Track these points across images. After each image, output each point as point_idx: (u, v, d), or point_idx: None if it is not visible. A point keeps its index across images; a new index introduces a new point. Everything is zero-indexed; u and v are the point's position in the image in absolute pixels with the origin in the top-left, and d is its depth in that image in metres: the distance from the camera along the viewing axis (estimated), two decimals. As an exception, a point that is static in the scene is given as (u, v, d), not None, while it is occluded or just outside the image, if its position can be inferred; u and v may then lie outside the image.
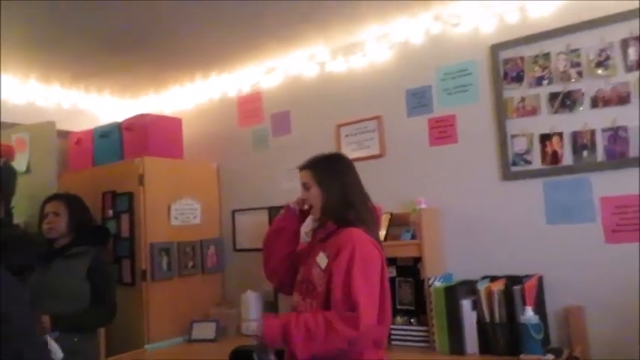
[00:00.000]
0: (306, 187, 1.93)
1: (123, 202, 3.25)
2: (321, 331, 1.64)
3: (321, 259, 1.81)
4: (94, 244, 2.68)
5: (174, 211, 3.36)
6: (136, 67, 3.42)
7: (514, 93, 2.67)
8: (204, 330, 3.14)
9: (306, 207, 1.99)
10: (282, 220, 2.05)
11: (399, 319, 2.66)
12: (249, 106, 3.66)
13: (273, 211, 3.33)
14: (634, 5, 2.36)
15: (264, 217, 3.45)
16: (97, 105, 4.00)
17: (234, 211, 3.64)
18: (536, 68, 2.62)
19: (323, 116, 3.29)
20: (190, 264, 3.41)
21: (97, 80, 3.63)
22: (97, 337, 2.73)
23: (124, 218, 3.23)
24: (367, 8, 2.75)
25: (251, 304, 3.10)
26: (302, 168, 1.96)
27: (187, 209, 3.46)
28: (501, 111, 2.69)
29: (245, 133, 3.66)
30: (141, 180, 3.20)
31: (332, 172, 1.92)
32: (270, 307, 3.10)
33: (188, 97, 3.92)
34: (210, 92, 3.82)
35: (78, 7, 2.50)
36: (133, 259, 3.18)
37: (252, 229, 3.52)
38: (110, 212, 3.30)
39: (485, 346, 2.32)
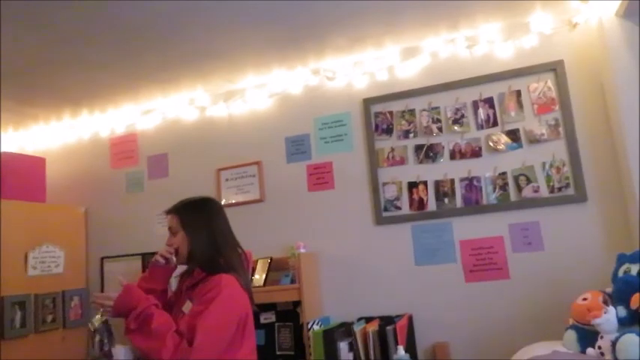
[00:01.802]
0: (172, 231, 1.87)
1: (-30, 250, 2.88)
2: (154, 335, 1.62)
3: (187, 308, 1.74)
4: None
5: (32, 259, 3.05)
6: (-5, 101, 3.12)
7: (385, 144, 2.89)
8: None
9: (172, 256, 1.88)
10: (149, 280, 1.91)
11: (278, 365, 2.64)
12: (124, 147, 3.50)
13: (146, 257, 3.17)
14: (482, 72, 2.72)
15: (137, 263, 3.26)
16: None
17: (102, 258, 3.39)
18: (403, 122, 2.87)
19: (203, 160, 3.26)
20: (50, 318, 3.09)
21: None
22: None
23: (-29, 269, 2.85)
24: (247, 57, 2.84)
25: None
26: (168, 212, 1.90)
27: (48, 257, 3.15)
28: (373, 160, 2.89)
29: (118, 176, 3.48)
30: (-6, 225, 2.87)
31: (199, 217, 1.86)
32: (141, 361, 2.90)
33: (54, 135, 3.64)
34: (79, 131, 3.59)
35: None
36: (-19, 316, 2.80)
37: (125, 277, 3.29)
38: (-48, 262, 2.90)
39: (362, 387, 2.39)
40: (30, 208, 3.12)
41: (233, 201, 3.13)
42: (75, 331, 3.23)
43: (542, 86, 2.64)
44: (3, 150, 3.30)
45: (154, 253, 2.95)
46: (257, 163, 3.13)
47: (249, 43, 2.64)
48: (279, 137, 3.11)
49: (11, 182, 3.10)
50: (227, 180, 3.20)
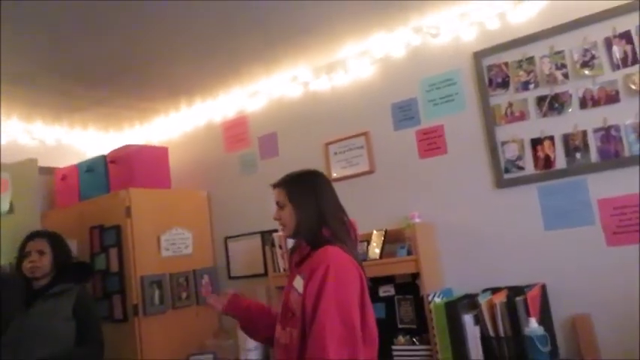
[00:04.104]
0: (279, 205, 1.86)
1: (110, 235, 3.16)
2: None
3: (298, 283, 1.73)
4: (77, 282, 2.58)
5: (165, 241, 3.28)
6: (116, 99, 3.38)
7: (501, 99, 2.62)
8: (201, 363, 3.03)
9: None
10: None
11: (401, 338, 2.56)
12: (235, 130, 3.61)
13: (266, 235, 3.25)
14: (614, 4, 2.34)
15: (257, 242, 3.37)
16: (81, 140, 3.95)
17: (226, 238, 3.56)
18: (521, 73, 2.58)
19: (310, 136, 3.24)
20: (184, 295, 3.31)
21: (79, 115, 3.58)
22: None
23: (113, 252, 3.14)
24: (345, 26, 2.73)
25: (248, 333, 3.05)
26: (275, 186, 1.89)
27: (178, 239, 3.37)
28: (489, 118, 2.64)
29: (232, 159, 3.60)
30: (128, 212, 3.13)
31: (305, 190, 1.84)
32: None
33: (173, 125, 3.87)
34: (195, 119, 3.78)
35: (55, 41, 2.48)
36: (124, 294, 3.08)
37: (246, 255, 3.44)
38: (98, 247, 3.21)
39: (491, 362, 2.22)
40: (158, 194, 3.35)
41: (343, 174, 3.07)
42: (207, 307, 3.42)
43: (694, 9, 2.19)
44: (130, 143, 3.56)
45: (272, 231, 3.10)
46: (364, 133, 3.03)
47: (345, 9, 2.53)
48: (385, 104, 2.97)
49: (140, 172, 3.35)
50: (336, 154, 3.15)
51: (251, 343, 3.01)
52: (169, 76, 3.11)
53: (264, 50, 2.90)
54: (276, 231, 3.05)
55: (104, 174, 3.45)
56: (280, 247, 2.97)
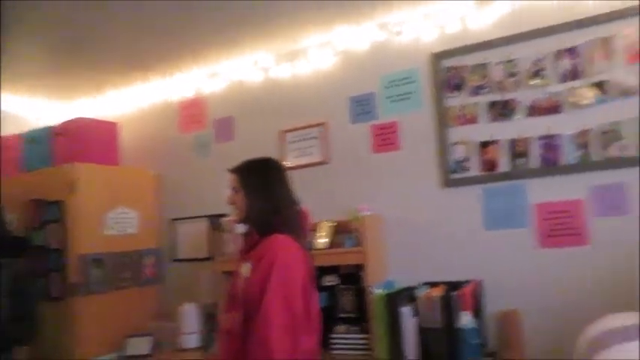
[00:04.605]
0: (234, 190, 1.88)
1: (52, 210, 3.05)
2: None
3: (245, 269, 1.75)
4: (12, 256, 2.49)
5: (110, 220, 3.20)
6: (73, 69, 3.25)
7: (455, 101, 2.71)
8: (140, 345, 2.97)
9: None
10: None
11: (340, 327, 2.61)
12: (192, 111, 3.55)
13: (214, 219, 3.23)
14: (567, 18, 2.45)
15: (205, 225, 3.34)
16: (28, 108, 3.78)
17: (173, 220, 3.51)
18: (475, 77, 2.67)
19: (267, 122, 3.23)
20: (126, 276, 3.25)
21: (27, 82, 3.43)
22: (20, 355, 2.53)
23: (53, 228, 3.03)
24: (309, 15, 2.74)
25: (190, 317, 3.03)
26: (231, 171, 1.91)
27: (123, 218, 3.30)
28: (443, 119, 2.72)
29: (187, 140, 3.55)
30: (72, 187, 3.03)
31: (260, 177, 1.86)
32: (210, 319, 2.98)
33: (128, 101, 3.76)
34: (151, 96, 3.69)
35: (7, 5, 2.36)
36: (63, 272, 2.98)
37: (193, 238, 3.40)
38: (37, 221, 3.10)
39: (425, 353, 2.31)
40: (105, 171, 3.25)
41: (297, 163, 3.09)
42: (149, 288, 3.39)
43: (635, 31, 2.33)
44: (79, 116, 3.45)
45: (221, 215, 3.08)
46: (321, 124, 3.06)
47: (310, -2, 2.54)
48: (344, 97, 3.01)
49: (88, 147, 3.25)
50: (291, 142, 3.16)
51: (191, 328, 3.00)
52: (127, 49, 3.02)
53: (226, 32, 2.87)
54: (225, 215, 3.04)
55: (49, 146, 3.32)
56: (229, 232, 2.96)
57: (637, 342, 1.52)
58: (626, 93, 2.33)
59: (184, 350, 2.91)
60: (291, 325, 1.62)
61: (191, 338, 2.93)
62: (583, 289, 2.31)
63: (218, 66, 3.38)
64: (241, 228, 1.99)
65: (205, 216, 3.35)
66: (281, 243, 1.73)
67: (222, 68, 3.39)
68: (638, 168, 2.28)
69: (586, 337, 1.82)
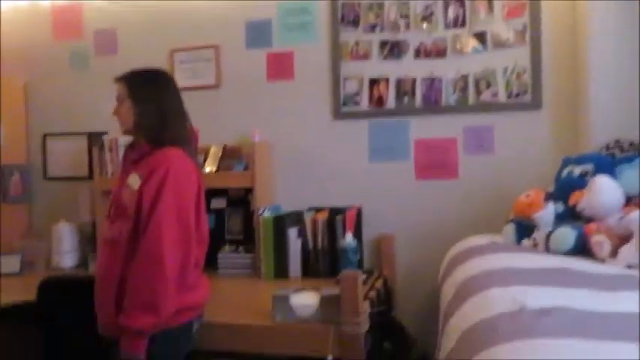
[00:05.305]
0: (118, 100, 1.79)
1: None
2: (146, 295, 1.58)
3: (133, 180, 1.71)
4: None
5: (-32, 130, 2.86)
6: None
7: (350, 37, 2.79)
8: (8, 263, 2.78)
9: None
10: None
11: (226, 247, 2.68)
12: (66, 16, 3.21)
13: (93, 136, 3.04)
14: (457, -32, 2.62)
15: (82, 143, 3.13)
16: None
17: (45, 135, 3.23)
18: (371, 15, 2.76)
19: (156, 39, 3.05)
20: (-12, 191, 2.97)
21: None
22: None
23: None
24: None
25: (64, 236, 2.89)
26: (117, 80, 1.81)
27: (-15, 129, 2.97)
28: (337, 53, 2.79)
29: (61, 49, 3.22)
30: None
31: (148, 87, 1.79)
32: (87, 239, 2.87)
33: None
34: (18, -5, 3.26)
35: None
36: None
37: (69, 156, 3.17)
38: None
39: (307, 270, 2.48)
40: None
41: (187, 84, 2.98)
42: (16, 206, 3.14)
43: (514, -11, 2.57)
44: None
45: (101, 133, 2.92)
46: (214, 46, 2.97)
47: None
48: (240, 21, 2.93)
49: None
50: (182, 62, 3.04)
51: (67, 246, 2.87)
52: None
53: None
54: (106, 133, 2.88)
55: None
56: (110, 150, 2.82)
57: (489, 256, 1.79)
58: (501, 44, 2.59)
59: (60, 269, 2.78)
60: (183, 239, 1.64)
61: (67, 257, 2.80)
62: (452, 217, 2.62)
63: (102, -30, 3.08)
64: (126, 139, 1.92)
65: (84, 133, 3.13)
66: (174, 157, 1.71)
67: (107, -27, 3.09)
68: (505, 113, 2.58)
69: (449, 254, 2.09)
